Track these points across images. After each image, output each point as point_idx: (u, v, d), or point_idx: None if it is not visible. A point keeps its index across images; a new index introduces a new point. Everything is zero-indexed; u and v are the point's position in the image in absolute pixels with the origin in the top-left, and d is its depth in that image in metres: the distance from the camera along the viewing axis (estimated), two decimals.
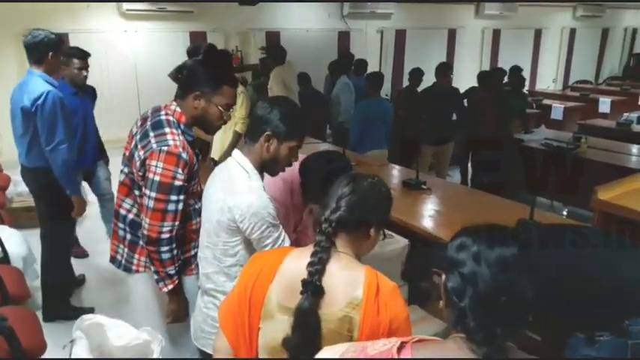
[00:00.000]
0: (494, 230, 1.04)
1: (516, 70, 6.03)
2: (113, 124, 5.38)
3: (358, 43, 9.38)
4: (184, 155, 1.85)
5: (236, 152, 1.79)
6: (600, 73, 13.63)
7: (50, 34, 2.93)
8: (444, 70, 5.49)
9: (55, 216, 3.13)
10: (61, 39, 3.04)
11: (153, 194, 1.82)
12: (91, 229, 4.57)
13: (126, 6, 7.07)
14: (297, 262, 1.31)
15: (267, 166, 1.78)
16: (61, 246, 3.28)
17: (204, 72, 1.93)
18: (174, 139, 1.85)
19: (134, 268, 2.04)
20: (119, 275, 2.22)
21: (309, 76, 6.20)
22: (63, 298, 3.33)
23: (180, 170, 1.83)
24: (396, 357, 0.97)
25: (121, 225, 2.04)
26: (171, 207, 1.84)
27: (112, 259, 2.11)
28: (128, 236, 2.02)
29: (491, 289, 0.95)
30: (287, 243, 1.76)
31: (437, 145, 5.47)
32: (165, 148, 1.82)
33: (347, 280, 1.28)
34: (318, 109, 5.80)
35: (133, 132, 1.98)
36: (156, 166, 1.81)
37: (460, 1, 10.19)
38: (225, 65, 2.05)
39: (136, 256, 2.02)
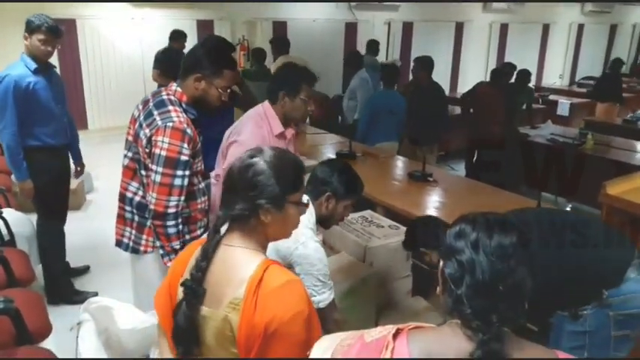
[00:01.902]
0: (493, 218, 1.02)
1: (523, 70, 6.02)
2: (121, 111, 5.39)
3: (365, 35, 9.33)
4: (189, 131, 1.91)
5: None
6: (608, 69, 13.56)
7: (40, 17, 2.89)
8: (423, 64, 4.93)
9: (52, 196, 3.16)
10: (46, 23, 2.89)
11: (160, 169, 1.86)
12: (94, 215, 4.61)
13: None
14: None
15: (322, 221, 2.01)
16: (58, 226, 3.31)
17: (207, 56, 1.99)
18: (178, 116, 1.91)
19: (142, 248, 2.07)
20: (123, 259, 2.23)
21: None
22: (66, 281, 3.36)
23: (185, 145, 1.88)
24: (392, 343, 0.98)
25: (127, 208, 2.07)
26: (177, 182, 1.88)
27: (119, 243, 2.13)
28: (136, 218, 2.05)
29: (489, 277, 0.94)
30: (328, 299, 1.87)
31: (419, 145, 5.06)
32: (171, 124, 1.87)
33: (233, 277, 1.18)
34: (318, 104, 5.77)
35: (135, 115, 2.02)
36: (162, 142, 1.85)
37: None
38: (226, 50, 2.11)
39: (144, 236, 2.05)
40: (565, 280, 1.73)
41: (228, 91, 2.08)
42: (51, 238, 3.27)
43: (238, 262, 1.20)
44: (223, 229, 1.24)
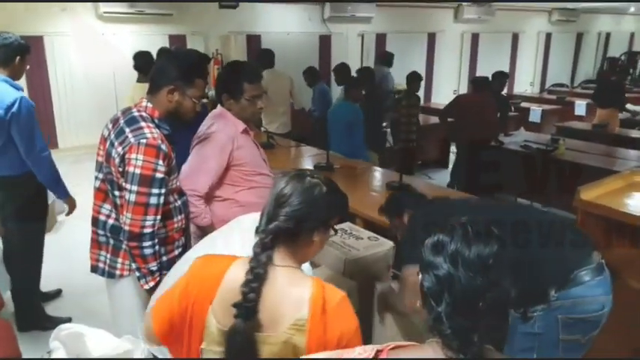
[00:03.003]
0: (473, 226, 0.96)
1: (501, 75, 6.13)
2: (92, 129, 5.25)
3: (339, 47, 9.40)
4: (164, 147, 1.85)
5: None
6: (575, 76, 13.90)
7: (20, 39, 2.86)
8: (355, 83, 4.99)
9: (25, 224, 3.02)
10: (29, 46, 2.94)
11: (134, 188, 1.80)
12: (65, 238, 4.48)
13: (103, 8, 6.96)
14: (238, 278, 1.19)
15: None
16: (37, 253, 3.18)
17: (177, 66, 1.94)
18: (152, 132, 1.85)
19: (118, 272, 2.00)
20: (97, 284, 2.16)
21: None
22: (38, 307, 3.24)
23: (161, 162, 1.82)
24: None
25: (101, 232, 1.99)
26: (153, 200, 1.82)
27: (94, 268, 2.05)
28: (111, 241, 1.98)
29: (470, 294, 0.90)
30: None
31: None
32: (144, 141, 1.81)
33: (291, 298, 1.17)
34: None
35: (105, 135, 1.95)
36: (136, 159, 1.79)
37: (439, 1, 10.27)
38: (195, 59, 2.07)
39: (120, 260, 1.98)
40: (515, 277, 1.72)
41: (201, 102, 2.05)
42: (33, 247, 3.13)
43: (289, 281, 1.20)
44: None
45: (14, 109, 2.71)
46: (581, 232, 1.91)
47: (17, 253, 3.09)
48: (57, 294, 3.58)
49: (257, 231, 1.26)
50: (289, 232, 1.22)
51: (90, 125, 6.92)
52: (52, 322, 3.04)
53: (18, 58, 2.85)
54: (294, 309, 1.16)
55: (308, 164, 4.27)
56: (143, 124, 1.87)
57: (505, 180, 4.77)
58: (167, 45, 7.44)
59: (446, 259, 0.93)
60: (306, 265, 1.44)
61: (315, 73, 6.43)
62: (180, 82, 1.91)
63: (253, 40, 8.38)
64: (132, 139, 1.82)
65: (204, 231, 2.31)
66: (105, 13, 7.03)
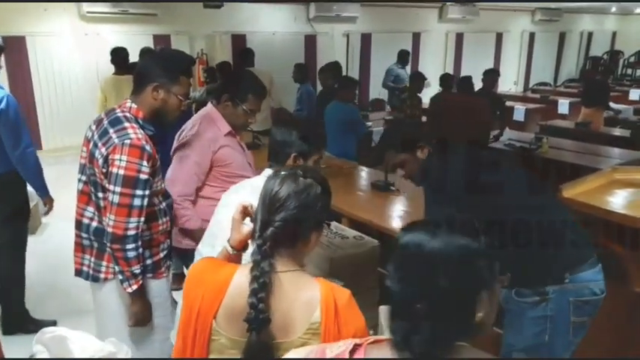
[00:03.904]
0: (414, 229, 0.94)
1: (492, 72, 6.16)
2: (76, 130, 5.21)
3: (325, 47, 9.41)
4: (148, 147, 1.82)
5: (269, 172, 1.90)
6: (559, 75, 14.07)
7: None
8: (349, 83, 4.93)
9: (13, 223, 3.01)
10: (2, 46, 2.94)
11: (118, 189, 1.77)
12: (50, 240, 4.43)
13: (86, 8, 6.89)
14: (242, 289, 1.17)
15: None
16: (20, 254, 3.14)
17: (162, 64, 1.94)
18: (136, 133, 1.82)
19: (102, 276, 1.97)
20: (83, 285, 2.14)
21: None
22: (22, 310, 3.20)
23: (145, 163, 1.80)
24: (348, 358, 0.95)
25: (84, 235, 1.97)
26: (137, 202, 1.80)
27: (78, 272, 2.03)
28: (95, 245, 1.96)
29: (402, 296, 0.91)
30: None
31: None
32: (128, 141, 1.78)
33: (301, 302, 1.16)
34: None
35: (89, 137, 1.93)
36: (120, 160, 1.77)
37: (423, 0, 10.33)
38: (179, 56, 2.06)
39: (104, 263, 1.96)
40: (533, 252, 1.79)
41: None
42: (19, 248, 3.11)
43: (296, 285, 1.18)
44: None
45: (2, 105, 2.72)
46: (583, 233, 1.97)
47: (4, 252, 3.06)
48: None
49: (253, 237, 1.24)
50: (288, 236, 1.20)
51: (73, 126, 6.84)
52: (37, 325, 3.00)
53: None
54: (306, 313, 1.15)
55: None
56: (127, 124, 1.84)
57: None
58: (151, 45, 7.39)
59: (392, 266, 0.95)
60: None
61: (303, 69, 6.38)
62: (165, 79, 1.89)
63: (238, 40, 8.36)
64: (116, 140, 1.79)
65: (194, 236, 2.31)
66: (88, 12, 6.96)
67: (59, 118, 7.12)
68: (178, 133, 2.41)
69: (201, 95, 6.40)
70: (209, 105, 2.43)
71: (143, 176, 1.80)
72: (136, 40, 7.09)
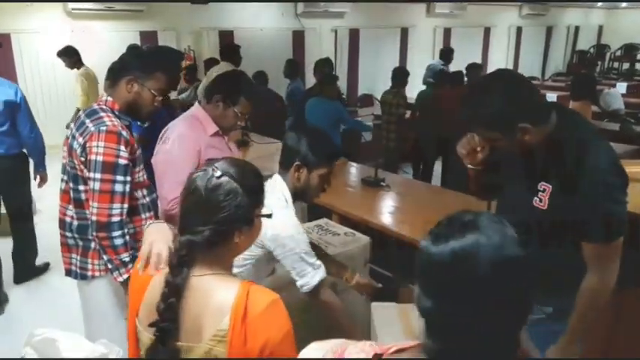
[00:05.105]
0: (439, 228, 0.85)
1: (476, 67, 6.16)
2: (61, 128, 5.16)
3: (313, 43, 9.39)
4: (124, 133, 1.85)
5: (278, 178, 1.92)
6: (546, 69, 14.18)
7: None
8: (331, 79, 4.89)
9: (22, 195, 3.56)
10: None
11: (98, 175, 1.78)
12: (38, 239, 4.39)
13: (72, 5, 6.81)
14: (158, 289, 1.13)
15: (300, 195, 1.93)
16: (29, 219, 3.68)
17: (138, 57, 1.98)
18: (112, 120, 1.85)
19: (90, 273, 1.96)
20: (70, 284, 2.12)
21: (266, 74, 6.11)
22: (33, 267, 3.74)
23: (122, 147, 1.82)
24: None
25: (68, 234, 1.97)
26: (118, 187, 1.81)
27: (68, 272, 2.02)
28: (80, 243, 1.95)
29: (449, 310, 0.81)
30: (312, 282, 1.81)
31: None
32: (104, 128, 1.81)
33: (212, 308, 1.10)
34: (272, 108, 5.71)
35: (68, 135, 1.95)
36: (97, 146, 1.78)
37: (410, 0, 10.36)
38: (159, 52, 2.06)
39: (89, 260, 1.95)
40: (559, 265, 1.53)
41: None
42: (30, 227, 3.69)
43: (212, 290, 1.12)
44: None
45: (18, 97, 3.36)
46: None
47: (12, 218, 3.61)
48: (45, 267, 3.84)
49: (175, 237, 1.19)
50: (204, 241, 1.12)
51: (59, 124, 6.76)
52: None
53: None
54: (215, 319, 1.09)
55: None
56: (103, 114, 1.87)
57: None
58: (138, 41, 7.32)
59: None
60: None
61: (294, 65, 6.32)
62: (139, 72, 1.91)
63: (226, 36, 8.31)
64: (92, 128, 1.81)
65: None
66: (73, 9, 6.88)
67: (46, 116, 7.01)
68: (160, 135, 2.33)
69: (189, 95, 6.36)
70: (196, 105, 2.39)
71: (122, 161, 1.82)
72: (122, 36, 7.04)
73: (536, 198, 1.56)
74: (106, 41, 7.03)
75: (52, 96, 7.06)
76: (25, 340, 1.74)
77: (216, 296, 1.12)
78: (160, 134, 2.34)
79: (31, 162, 3.62)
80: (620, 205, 1.46)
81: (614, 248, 1.49)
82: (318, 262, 1.82)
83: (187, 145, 2.23)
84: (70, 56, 5.59)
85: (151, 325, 1.12)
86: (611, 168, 1.45)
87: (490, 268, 0.78)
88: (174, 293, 1.10)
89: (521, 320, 0.83)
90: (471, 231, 0.81)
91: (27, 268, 3.69)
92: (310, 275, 1.79)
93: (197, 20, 8.05)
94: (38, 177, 3.62)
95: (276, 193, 1.87)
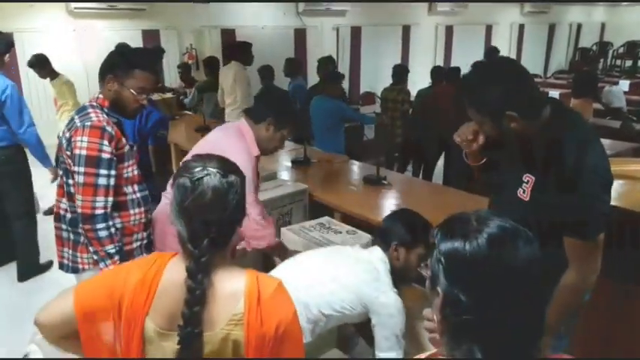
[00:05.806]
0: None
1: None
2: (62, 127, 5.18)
3: (314, 41, 9.39)
4: (109, 129, 1.89)
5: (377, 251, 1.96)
6: (548, 66, 14.15)
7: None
8: (336, 77, 4.87)
9: (22, 189, 3.59)
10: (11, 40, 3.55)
11: (81, 169, 1.84)
12: (41, 238, 4.41)
13: (74, 4, 6.82)
14: (176, 283, 1.14)
15: (400, 274, 1.94)
16: (32, 215, 3.72)
17: (117, 56, 2.04)
18: (98, 116, 1.91)
19: (80, 267, 2.00)
20: (70, 279, 2.14)
21: (272, 69, 6.07)
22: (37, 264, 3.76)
23: (106, 142, 1.86)
24: None
25: (63, 227, 2.01)
26: (102, 181, 1.86)
27: (61, 265, 2.07)
28: (71, 236, 2.00)
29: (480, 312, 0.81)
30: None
31: None
32: (89, 123, 1.87)
33: (226, 294, 1.14)
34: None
35: (61, 132, 2.05)
36: (81, 141, 1.84)
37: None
38: (139, 51, 2.11)
39: (79, 254, 1.99)
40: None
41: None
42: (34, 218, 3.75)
43: (220, 280, 1.16)
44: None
45: (6, 93, 3.37)
46: None
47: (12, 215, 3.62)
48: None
49: (182, 240, 1.17)
50: (222, 241, 1.17)
51: (61, 123, 6.81)
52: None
53: (7, 55, 3.47)
54: (228, 305, 1.14)
55: (286, 159, 4.26)
56: (90, 110, 1.94)
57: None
58: (140, 40, 7.35)
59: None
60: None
61: (295, 64, 6.33)
62: (118, 71, 1.96)
63: (228, 35, 8.32)
64: (78, 123, 1.88)
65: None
66: (76, 8, 6.89)
67: (48, 114, 7.04)
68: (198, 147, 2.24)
69: (192, 100, 6.37)
70: (243, 122, 2.27)
71: (105, 155, 1.86)
72: (124, 35, 7.04)
73: (520, 189, 1.58)
74: (108, 40, 7.03)
75: (53, 94, 7.06)
76: (29, 337, 1.76)
77: (225, 284, 1.16)
78: (203, 144, 2.28)
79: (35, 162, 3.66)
80: (603, 203, 1.47)
81: (596, 245, 1.49)
82: (403, 343, 1.82)
83: (247, 159, 2.15)
84: (43, 66, 5.09)
85: (180, 334, 1.11)
86: (598, 168, 1.46)
87: (523, 251, 0.82)
88: (198, 302, 1.11)
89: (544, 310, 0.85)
90: (486, 224, 0.84)
91: (30, 265, 3.72)
92: (396, 353, 1.79)
93: (199, 19, 8.06)
94: (51, 175, 3.67)
95: (382, 265, 1.91)
